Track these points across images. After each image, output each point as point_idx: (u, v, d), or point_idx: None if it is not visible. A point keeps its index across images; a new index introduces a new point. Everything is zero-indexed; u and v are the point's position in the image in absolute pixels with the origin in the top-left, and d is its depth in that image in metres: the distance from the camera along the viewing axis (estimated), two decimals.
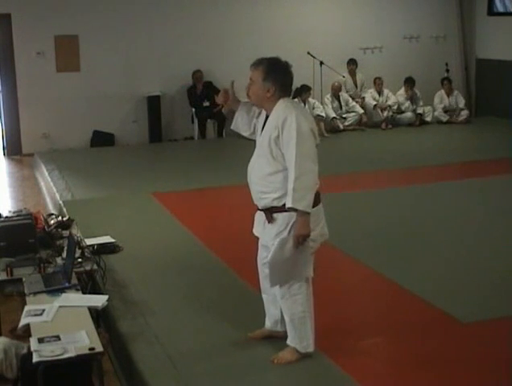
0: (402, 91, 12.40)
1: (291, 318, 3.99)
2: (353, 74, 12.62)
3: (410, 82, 12.26)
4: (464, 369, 3.99)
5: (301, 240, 3.79)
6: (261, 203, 3.96)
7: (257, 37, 11.86)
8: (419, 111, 12.28)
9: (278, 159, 3.83)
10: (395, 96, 12.36)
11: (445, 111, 12.37)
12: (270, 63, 3.89)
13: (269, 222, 3.93)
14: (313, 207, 3.85)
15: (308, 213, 3.76)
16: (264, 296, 4.24)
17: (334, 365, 3.99)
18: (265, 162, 3.89)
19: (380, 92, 12.36)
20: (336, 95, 12.06)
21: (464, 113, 12.42)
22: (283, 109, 3.83)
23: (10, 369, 3.80)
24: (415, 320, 4.63)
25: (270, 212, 3.91)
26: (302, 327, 3.99)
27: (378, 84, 12.33)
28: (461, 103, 12.50)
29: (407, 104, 12.34)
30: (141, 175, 9.06)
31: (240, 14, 11.94)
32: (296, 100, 11.52)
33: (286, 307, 4.00)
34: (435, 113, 12.35)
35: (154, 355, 4.15)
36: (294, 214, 3.80)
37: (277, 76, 3.86)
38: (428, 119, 12.32)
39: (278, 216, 3.87)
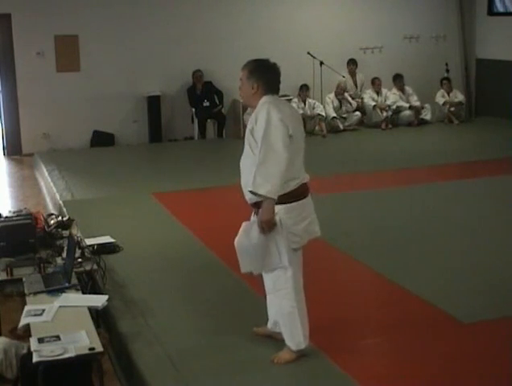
0: (394, 90, 12.37)
1: (281, 313, 4.03)
2: (353, 74, 12.62)
3: (399, 78, 12.26)
4: (464, 369, 3.99)
5: (265, 226, 3.83)
6: (248, 197, 4.00)
7: (257, 37, 11.87)
8: (416, 104, 12.23)
9: (255, 152, 3.90)
10: (394, 96, 12.34)
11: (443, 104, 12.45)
12: (255, 62, 4.08)
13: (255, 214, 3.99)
14: (296, 200, 3.91)
15: (273, 199, 3.80)
16: (267, 296, 4.25)
17: (334, 365, 3.99)
18: (247, 156, 3.99)
19: (378, 93, 12.35)
20: (340, 95, 12.02)
21: (460, 97, 12.50)
22: (261, 104, 3.95)
23: (10, 369, 3.80)
24: (415, 320, 4.63)
25: (256, 207, 3.95)
26: (291, 323, 4.00)
27: (377, 84, 12.33)
28: (460, 97, 12.55)
29: (401, 102, 12.29)
30: (141, 175, 9.07)
31: (240, 14, 11.94)
32: (296, 99, 11.56)
33: (274, 302, 4.05)
34: (436, 99, 12.39)
35: (154, 355, 4.15)
36: (278, 206, 3.85)
37: (261, 74, 4.00)
38: (428, 118, 12.31)
39: None
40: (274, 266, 3.93)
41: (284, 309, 3.99)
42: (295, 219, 3.92)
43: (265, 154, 3.80)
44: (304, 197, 3.99)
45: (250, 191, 3.81)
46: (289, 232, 3.89)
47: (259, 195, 3.80)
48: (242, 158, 4.06)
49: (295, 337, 4.01)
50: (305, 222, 3.99)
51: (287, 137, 3.84)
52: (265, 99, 3.97)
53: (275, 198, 3.81)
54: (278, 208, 3.87)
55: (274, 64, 4.08)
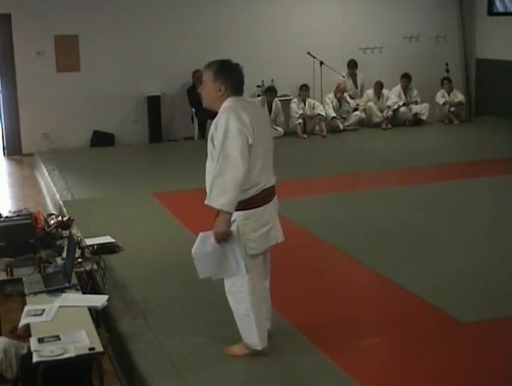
0: (397, 87, 12.34)
1: (236, 314, 4.07)
2: (353, 74, 12.60)
3: (404, 78, 12.22)
4: (463, 369, 3.99)
5: (219, 237, 3.82)
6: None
7: (257, 37, 11.88)
8: (416, 110, 12.24)
9: (215, 158, 3.84)
10: (394, 96, 12.30)
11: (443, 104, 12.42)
12: (220, 63, 3.98)
13: None
14: (254, 207, 3.87)
15: (228, 212, 3.76)
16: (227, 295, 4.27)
17: (334, 365, 3.99)
18: (208, 162, 3.95)
19: (379, 96, 12.30)
20: (339, 96, 11.99)
21: (460, 97, 12.45)
22: (223, 108, 3.88)
23: (10, 369, 3.80)
24: (415, 320, 4.63)
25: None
26: (246, 326, 4.03)
27: (377, 87, 12.26)
28: (460, 97, 12.52)
29: (400, 101, 12.27)
30: (141, 175, 9.06)
31: (240, 14, 11.93)
32: (296, 99, 11.56)
33: (230, 303, 4.08)
34: (436, 99, 12.36)
35: (154, 355, 4.15)
36: (236, 213, 3.83)
37: (227, 75, 3.93)
38: (424, 117, 12.28)
39: None
40: (232, 273, 3.94)
41: (239, 311, 4.03)
42: (252, 225, 3.89)
43: (221, 167, 3.74)
44: (264, 203, 3.94)
45: (206, 205, 3.77)
46: (246, 239, 3.88)
47: (214, 208, 3.77)
48: (207, 161, 3.99)
49: (251, 338, 4.05)
50: (264, 228, 3.95)
51: (246, 148, 3.76)
52: (227, 102, 3.89)
53: (231, 211, 3.78)
54: (235, 215, 3.83)
55: (238, 65, 4.01)
